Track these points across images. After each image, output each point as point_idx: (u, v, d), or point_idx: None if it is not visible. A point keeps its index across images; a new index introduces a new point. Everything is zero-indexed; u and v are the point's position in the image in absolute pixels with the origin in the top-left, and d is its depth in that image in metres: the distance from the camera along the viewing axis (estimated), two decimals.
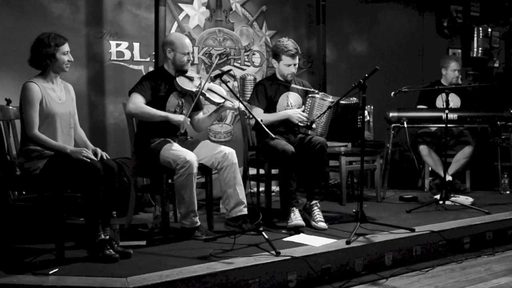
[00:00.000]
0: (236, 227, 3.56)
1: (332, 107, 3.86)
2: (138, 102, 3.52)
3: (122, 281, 2.62)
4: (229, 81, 5.32)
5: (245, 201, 3.64)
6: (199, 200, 3.59)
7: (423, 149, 5.17)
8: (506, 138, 5.24)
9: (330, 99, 3.97)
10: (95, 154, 3.18)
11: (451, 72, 5.33)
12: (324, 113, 3.88)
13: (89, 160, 3.02)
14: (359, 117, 3.91)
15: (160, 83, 3.65)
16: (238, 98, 3.60)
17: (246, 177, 4.25)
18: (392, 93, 4.65)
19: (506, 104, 5.17)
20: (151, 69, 4.88)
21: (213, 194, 3.81)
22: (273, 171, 4.11)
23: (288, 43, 4.06)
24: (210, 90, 3.68)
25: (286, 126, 4.10)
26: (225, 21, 5.53)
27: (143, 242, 3.37)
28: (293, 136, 4.12)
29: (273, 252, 3.06)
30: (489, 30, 7.06)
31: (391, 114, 4.97)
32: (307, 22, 5.98)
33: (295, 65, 4.09)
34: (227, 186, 3.60)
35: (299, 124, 4.02)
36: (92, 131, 4.71)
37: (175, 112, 3.67)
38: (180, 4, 5.28)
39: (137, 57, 5.04)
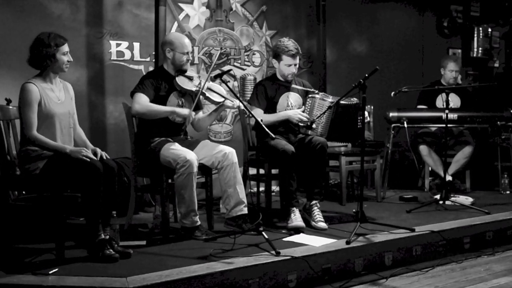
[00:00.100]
0: (236, 227, 3.56)
1: (332, 107, 3.86)
2: (143, 102, 3.52)
3: (122, 281, 2.62)
4: (229, 81, 5.32)
5: (245, 200, 3.64)
6: (199, 200, 3.59)
7: (423, 149, 5.17)
8: (506, 138, 5.24)
9: (330, 99, 3.97)
10: (95, 153, 3.17)
11: (449, 72, 5.33)
12: (324, 113, 3.88)
13: (88, 160, 3.02)
14: (359, 118, 3.91)
15: (160, 82, 3.65)
16: (238, 98, 3.60)
17: (246, 177, 4.25)
18: (392, 93, 4.65)
19: (506, 104, 5.17)
20: (151, 69, 4.88)
21: (213, 194, 3.81)
22: (273, 171, 4.12)
23: (288, 43, 4.05)
24: (209, 89, 3.68)
25: (286, 126, 4.10)
26: (225, 21, 5.53)
27: (143, 242, 3.37)
28: (293, 136, 4.12)
29: (273, 252, 3.06)
30: (489, 30, 7.05)
31: (391, 114, 4.97)
32: (307, 22, 5.98)
33: (295, 65, 4.08)
34: (227, 186, 3.60)
35: (299, 124, 4.02)
36: (92, 131, 4.71)
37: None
38: (180, 4, 5.29)
39: (137, 57, 5.05)
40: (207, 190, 3.77)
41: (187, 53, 3.68)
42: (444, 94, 4.72)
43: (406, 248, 3.50)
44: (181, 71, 3.70)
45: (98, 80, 4.88)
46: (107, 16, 4.91)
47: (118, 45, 4.96)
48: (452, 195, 4.68)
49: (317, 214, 3.83)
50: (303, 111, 4.01)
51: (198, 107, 3.86)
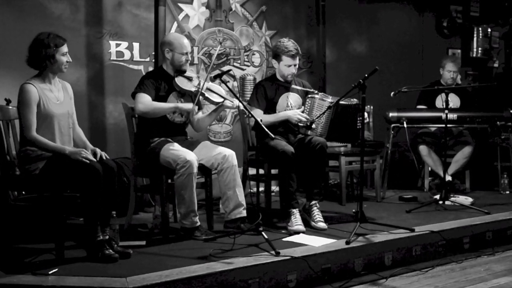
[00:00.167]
0: (236, 229, 3.56)
1: (331, 107, 3.86)
2: (146, 101, 3.52)
3: (121, 281, 2.62)
4: (228, 81, 5.32)
5: (244, 203, 3.64)
6: (199, 200, 3.59)
7: (423, 149, 5.17)
8: (506, 138, 5.24)
9: (329, 99, 3.97)
10: (95, 154, 3.17)
11: (447, 72, 5.34)
12: (323, 113, 3.88)
13: (88, 162, 3.01)
14: (358, 118, 3.91)
15: (160, 82, 3.66)
16: (237, 98, 3.60)
17: (246, 177, 4.25)
18: (392, 93, 4.65)
19: (506, 104, 5.17)
20: (150, 69, 4.88)
21: (213, 194, 3.81)
22: (273, 171, 4.11)
23: (288, 43, 4.05)
24: (209, 89, 3.68)
25: (285, 127, 4.10)
26: (224, 21, 5.53)
27: (143, 242, 3.37)
28: (292, 136, 4.11)
29: (273, 252, 3.06)
30: (489, 30, 7.05)
31: (390, 114, 4.97)
32: (307, 22, 5.98)
33: (295, 65, 4.08)
34: (227, 188, 3.60)
35: (299, 124, 4.02)
36: (92, 131, 4.71)
37: (174, 112, 3.67)
38: (180, 4, 5.29)
39: (137, 57, 5.05)
40: (207, 190, 3.76)
41: (186, 53, 3.68)
42: (443, 94, 4.72)
43: (406, 248, 3.51)
44: (180, 72, 3.70)
45: (97, 80, 4.88)
46: (107, 16, 4.91)
47: (117, 45, 4.96)
48: (451, 195, 4.68)
49: (317, 214, 3.83)
50: (303, 112, 4.01)
51: (197, 108, 3.86)
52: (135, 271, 2.75)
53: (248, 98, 4.34)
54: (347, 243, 3.28)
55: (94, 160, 3.07)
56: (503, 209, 4.40)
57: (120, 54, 4.97)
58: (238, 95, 3.78)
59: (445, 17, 7.01)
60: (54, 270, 2.76)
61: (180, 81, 3.64)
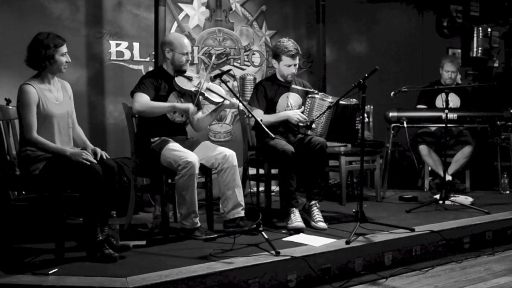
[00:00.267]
0: (235, 227, 3.55)
1: (331, 107, 3.86)
2: (143, 101, 3.51)
3: (121, 281, 2.62)
4: (228, 81, 5.32)
5: (243, 203, 3.64)
6: (199, 200, 3.58)
7: (423, 149, 5.17)
8: (506, 138, 5.24)
9: (329, 99, 3.97)
10: (95, 153, 3.16)
11: (445, 73, 5.34)
12: (323, 113, 3.88)
13: (88, 163, 3.01)
14: (357, 119, 3.91)
15: (160, 82, 3.65)
16: (237, 98, 3.60)
17: (246, 177, 4.26)
18: (392, 93, 4.65)
19: (506, 104, 5.17)
20: (150, 69, 4.88)
21: (213, 194, 3.81)
22: (273, 171, 4.11)
23: (288, 43, 4.05)
24: (209, 89, 3.68)
25: (285, 127, 4.10)
26: (225, 21, 5.53)
27: (143, 242, 3.37)
28: (292, 136, 4.11)
29: (273, 252, 3.06)
30: (489, 30, 7.06)
31: (390, 114, 4.97)
32: (307, 22, 5.98)
33: (295, 65, 4.08)
34: (226, 188, 3.60)
35: (299, 124, 4.02)
36: (92, 131, 4.71)
37: (174, 112, 3.67)
38: (180, 4, 5.29)
39: (137, 57, 5.05)
40: (207, 190, 3.76)
41: (187, 53, 3.68)
42: (443, 94, 4.72)
43: (406, 248, 3.51)
44: (181, 72, 3.70)
45: (97, 80, 4.88)
46: (107, 16, 4.91)
47: (117, 45, 4.96)
48: (451, 195, 4.68)
49: (317, 214, 3.83)
50: (303, 111, 4.01)
51: (197, 108, 3.86)
52: (135, 271, 2.75)
53: (248, 98, 4.34)
54: (347, 243, 3.28)
55: (95, 161, 3.06)
56: (503, 209, 4.40)
57: (120, 54, 4.97)
58: (238, 95, 3.78)
59: (445, 17, 7.01)
60: (54, 270, 2.76)
61: (180, 81, 3.64)
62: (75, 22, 4.76)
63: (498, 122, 4.94)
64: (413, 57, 6.72)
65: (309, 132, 3.97)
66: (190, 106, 3.56)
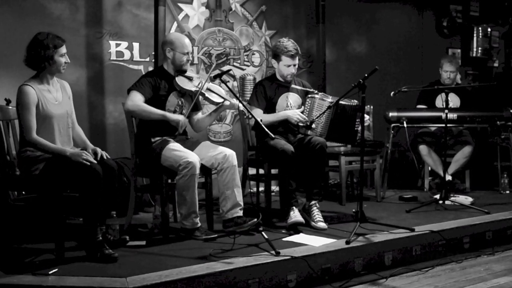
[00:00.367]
0: (234, 225, 3.55)
1: (331, 107, 3.86)
2: (136, 100, 3.51)
3: (121, 281, 2.62)
4: (228, 81, 5.32)
5: (242, 203, 3.64)
6: (199, 200, 3.58)
7: (423, 149, 5.17)
8: (506, 138, 5.24)
9: (329, 99, 3.97)
10: (95, 154, 3.16)
11: (444, 73, 5.35)
12: (323, 113, 3.88)
13: (88, 164, 3.01)
14: (357, 120, 3.91)
15: (160, 81, 3.65)
16: (237, 98, 3.60)
17: (246, 177, 4.26)
18: (392, 93, 4.65)
19: (506, 104, 5.17)
20: (150, 69, 4.88)
21: (213, 194, 3.81)
22: (273, 171, 4.11)
23: (288, 43, 4.05)
24: (209, 90, 3.68)
25: (285, 126, 4.10)
26: (224, 21, 5.53)
27: (143, 242, 3.37)
28: (292, 136, 4.11)
29: (273, 252, 3.06)
30: (489, 29, 7.06)
31: (390, 114, 4.98)
32: (307, 22, 5.98)
33: (294, 65, 4.08)
34: (226, 188, 3.60)
35: (299, 124, 4.02)
36: (91, 131, 4.71)
37: (175, 111, 3.67)
38: (179, 4, 5.29)
39: (136, 57, 5.05)
40: (207, 190, 3.76)
41: (187, 53, 3.68)
42: (443, 94, 4.72)
43: (406, 248, 3.51)
44: (181, 71, 3.70)
45: (97, 80, 4.88)
46: (107, 16, 4.91)
47: (117, 45, 4.96)
48: (451, 195, 4.68)
49: (317, 214, 3.83)
50: (303, 111, 4.01)
51: (196, 108, 3.86)
52: (135, 271, 2.75)
53: (248, 98, 4.34)
54: (347, 243, 3.29)
55: (95, 162, 3.06)
56: (503, 209, 4.40)
57: (120, 54, 4.97)
58: (238, 95, 3.78)
59: (445, 17, 7.02)
60: (54, 270, 2.76)
61: (180, 81, 3.64)
62: (75, 22, 4.76)
63: (498, 122, 4.94)
64: (413, 57, 6.72)
65: (309, 132, 3.97)
66: (181, 118, 3.54)
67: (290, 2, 5.91)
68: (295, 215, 3.71)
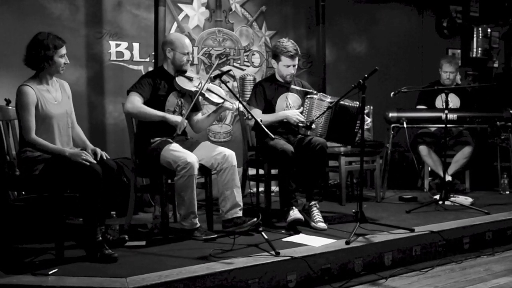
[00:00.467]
0: (233, 225, 3.55)
1: (331, 108, 3.86)
2: (135, 102, 3.51)
3: (121, 281, 2.62)
4: (228, 81, 5.31)
5: (241, 204, 3.64)
6: (199, 200, 3.59)
7: (423, 149, 5.17)
8: (506, 138, 5.24)
9: (328, 99, 3.97)
10: (95, 154, 3.16)
11: (444, 73, 5.34)
12: (323, 113, 3.88)
13: (88, 164, 3.01)
14: (358, 121, 3.90)
15: (159, 82, 3.65)
16: (237, 98, 3.60)
17: (245, 177, 4.26)
18: (392, 93, 4.65)
19: (506, 104, 5.17)
20: (150, 69, 4.88)
21: (213, 194, 3.81)
22: (273, 171, 4.11)
23: (287, 44, 4.05)
24: (209, 90, 3.68)
25: (285, 127, 4.10)
26: (224, 22, 5.53)
27: (143, 242, 3.37)
28: (292, 136, 4.11)
29: (273, 252, 3.06)
30: (489, 30, 7.06)
31: (390, 114, 4.97)
32: (307, 22, 5.98)
33: (294, 66, 4.08)
34: (225, 188, 3.60)
35: (299, 125, 4.02)
36: (91, 131, 4.71)
37: (174, 111, 3.67)
38: (179, 5, 5.29)
39: (136, 57, 5.05)
40: (207, 191, 3.76)
41: (188, 53, 3.69)
42: (443, 95, 4.72)
43: (405, 248, 3.50)
44: (181, 72, 3.70)
45: (97, 80, 4.88)
46: (107, 16, 4.91)
47: (117, 45, 4.96)
48: (451, 195, 4.68)
49: (317, 214, 3.83)
50: (302, 112, 4.01)
51: (196, 109, 3.86)
52: (135, 271, 2.75)
53: (247, 99, 4.34)
54: (347, 243, 3.28)
55: (94, 162, 3.06)
56: (503, 209, 4.40)
57: (120, 54, 4.97)
58: (238, 96, 3.78)
59: (445, 17, 7.02)
60: (54, 270, 2.76)
61: (180, 81, 3.64)
62: (75, 22, 4.76)
63: (498, 123, 4.94)
64: (413, 57, 6.73)
65: (309, 132, 3.96)
66: (181, 120, 3.55)
67: (290, 3, 5.91)
68: (295, 213, 3.71)
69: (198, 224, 3.51)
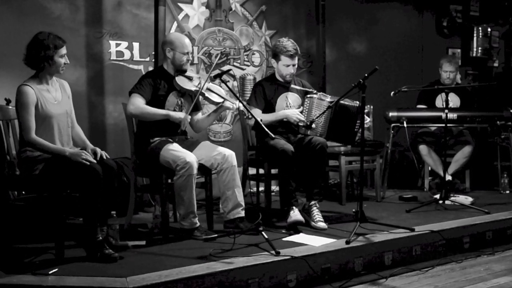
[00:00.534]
0: (235, 228, 3.56)
1: (331, 107, 3.86)
2: (138, 103, 3.52)
3: (121, 281, 2.62)
4: (228, 81, 5.32)
5: (243, 203, 3.64)
6: (199, 200, 3.59)
7: (423, 148, 5.17)
8: (506, 138, 5.24)
9: (328, 99, 3.97)
10: (95, 153, 3.16)
11: (444, 73, 5.34)
12: (323, 113, 3.88)
13: (88, 163, 3.00)
14: (358, 121, 3.90)
15: (159, 82, 3.65)
16: (237, 98, 3.60)
17: (246, 177, 4.26)
18: (392, 92, 4.65)
19: (506, 104, 5.17)
20: (150, 69, 4.88)
21: (213, 194, 3.81)
22: (273, 171, 4.12)
23: (287, 43, 4.05)
24: (209, 89, 3.68)
25: (285, 126, 4.10)
26: (224, 21, 5.53)
27: (143, 242, 3.37)
28: (292, 136, 4.11)
29: (273, 252, 3.06)
30: (489, 29, 7.06)
31: (390, 114, 4.97)
32: (307, 22, 5.98)
33: (294, 65, 4.08)
34: (226, 188, 3.60)
35: (299, 124, 4.02)
36: (91, 131, 4.71)
37: (174, 111, 3.67)
38: (179, 4, 5.29)
39: (136, 57, 5.05)
40: (207, 190, 3.76)
41: (187, 53, 3.68)
42: (443, 94, 4.72)
43: (405, 248, 3.50)
44: (181, 71, 3.70)
45: (97, 80, 4.88)
46: (107, 16, 4.91)
47: (117, 45, 4.96)
48: (451, 195, 4.68)
49: (317, 214, 3.83)
50: (302, 111, 4.01)
51: (196, 108, 3.86)
52: (135, 271, 2.75)
53: (247, 99, 4.34)
54: (347, 243, 3.28)
55: (94, 161, 3.06)
56: (503, 209, 4.40)
57: (120, 54, 4.97)
58: (238, 95, 3.78)
59: (445, 17, 7.01)
60: (54, 270, 2.76)
61: (180, 81, 3.64)
62: (75, 22, 4.76)
63: (498, 122, 4.94)
64: (413, 57, 6.72)
65: (309, 132, 3.96)
66: (184, 115, 3.55)
67: (290, 2, 5.91)
68: (295, 214, 3.71)
69: (198, 224, 3.51)
